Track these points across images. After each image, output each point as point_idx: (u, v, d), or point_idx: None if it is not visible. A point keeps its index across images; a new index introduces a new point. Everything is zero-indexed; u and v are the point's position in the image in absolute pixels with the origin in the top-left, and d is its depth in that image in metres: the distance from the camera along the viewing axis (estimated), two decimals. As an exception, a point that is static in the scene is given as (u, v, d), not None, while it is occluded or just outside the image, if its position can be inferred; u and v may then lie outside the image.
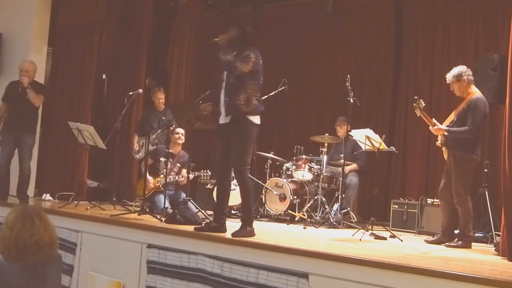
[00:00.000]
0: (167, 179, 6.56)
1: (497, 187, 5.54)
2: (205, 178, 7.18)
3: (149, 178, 6.94)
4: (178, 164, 7.12)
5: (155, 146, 7.34)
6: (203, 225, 5.11)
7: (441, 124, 5.65)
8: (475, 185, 6.14)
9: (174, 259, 4.80)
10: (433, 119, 5.68)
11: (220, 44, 5.08)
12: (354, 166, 7.33)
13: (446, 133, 5.53)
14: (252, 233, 4.84)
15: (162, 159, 7.03)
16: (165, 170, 6.53)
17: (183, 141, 7.20)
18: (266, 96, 7.02)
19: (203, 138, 9.19)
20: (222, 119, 5.00)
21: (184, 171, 7.04)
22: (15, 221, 2.92)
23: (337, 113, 7.83)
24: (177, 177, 6.98)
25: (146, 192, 6.78)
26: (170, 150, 6.73)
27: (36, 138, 7.13)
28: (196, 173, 6.89)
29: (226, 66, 5.05)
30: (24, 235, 2.88)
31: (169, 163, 6.73)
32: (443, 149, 5.68)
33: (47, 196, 7.57)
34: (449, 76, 5.63)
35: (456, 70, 5.60)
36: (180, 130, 7.07)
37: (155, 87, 7.67)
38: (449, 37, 7.67)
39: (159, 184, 6.95)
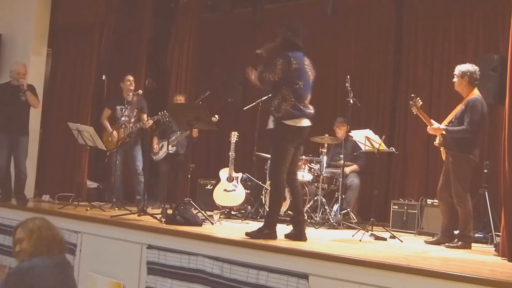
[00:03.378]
0: (130, 128, 7.02)
1: (497, 188, 5.53)
2: (164, 119, 6.96)
3: (113, 132, 7.03)
4: (135, 110, 7.22)
5: (174, 148, 7.49)
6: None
7: (440, 124, 5.66)
8: (475, 186, 6.15)
9: (174, 260, 4.81)
10: (431, 119, 5.68)
11: (262, 55, 5.06)
12: (354, 167, 7.34)
13: (444, 133, 5.54)
14: (268, 236, 4.75)
15: (118, 107, 7.20)
16: (122, 119, 7.05)
17: (134, 86, 7.30)
18: (266, 97, 7.04)
19: (203, 139, 9.20)
20: (269, 125, 5.08)
21: (144, 116, 7.20)
22: (41, 226, 3.35)
23: (337, 114, 7.84)
24: (138, 124, 7.07)
25: (113, 147, 7.04)
26: (124, 97, 7.18)
27: (31, 138, 7.14)
28: (155, 117, 6.92)
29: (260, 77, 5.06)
30: (51, 235, 3.34)
31: (126, 110, 7.12)
32: (441, 149, 5.69)
33: (47, 197, 7.57)
34: (457, 68, 5.65)
35: (464, 67, 5.60)
36: (130, 78, 7.33)
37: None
38: (449, 37, 7.68)
39: (123, 135, 7.03)
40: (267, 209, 5.24)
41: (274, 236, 4.80)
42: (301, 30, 5.11)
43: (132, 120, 7.17)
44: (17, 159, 6.91)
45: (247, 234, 4.81)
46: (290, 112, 4.84)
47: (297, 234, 4.86)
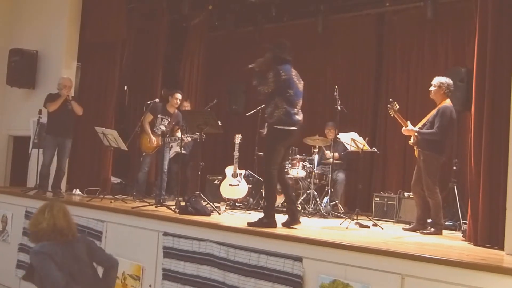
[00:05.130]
0: (169, 140, 6.91)
1: (464, 182, 5.55)
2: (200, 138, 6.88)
3: (153, 138, 6.99)
4: (173, 122, 7.22)
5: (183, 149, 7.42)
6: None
7: (415, 126, 5.67)
8: (445, 181, 6.16)
9: (187, 245, 4.82)
10: (408, 121, 5.69)
11: (254, 69, 5.03)
12: (336, 155, 7.27)
13: (416, 134, 5.56)
14: (267, 225, 4.70)
15: (159, 116, 7.12)
16: (161, 127, 6.98)
17: (178, 105, 7.30)
18: (264, 105, 7.06)
19: (211, 140, 9.21)
20: (265, 131, 5.13)
21: (178, 128, 7.23)
22: (38, 213, 3.42)
23: (326, 119, 7.86)
24: (185, 137, 6.84)
25: (149, 150, 7.02)
26: (167, 109, 7.12)
27: None
28: (194, 136, 6.87)
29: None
30: (43, 221, 3.34)
31: (167, 121, 7.09)
32: (414, 148, 5.70)
33: (77, 191, 7.58)
34: (435, 79, 5.63)
35: (443, 79, 5.60)
36: (179, 96, 7.23)
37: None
38: (422, 51, 7.72)
39: (161, 143, 6.94)
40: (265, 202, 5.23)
41: (273, 225, 4.74)
42: (287, 45, 5.03)
43: (169, 130, 7.15)
44: (60, 158, 6.94)
45: (249, 224, 4.78)
46: (281, 119, 4.82)
47: (292, 221, 4.87)
